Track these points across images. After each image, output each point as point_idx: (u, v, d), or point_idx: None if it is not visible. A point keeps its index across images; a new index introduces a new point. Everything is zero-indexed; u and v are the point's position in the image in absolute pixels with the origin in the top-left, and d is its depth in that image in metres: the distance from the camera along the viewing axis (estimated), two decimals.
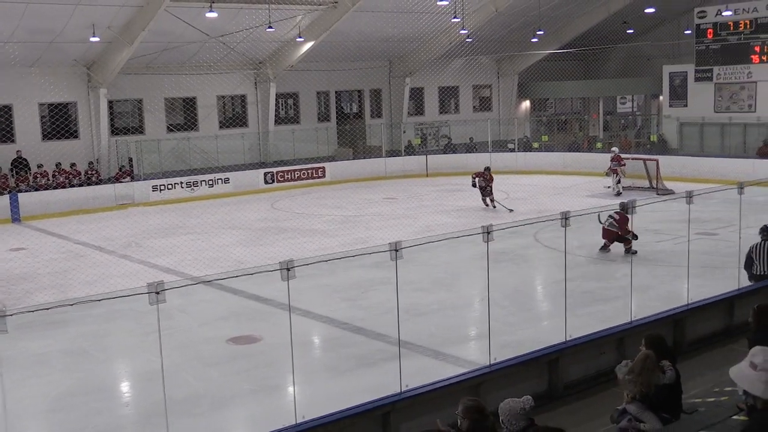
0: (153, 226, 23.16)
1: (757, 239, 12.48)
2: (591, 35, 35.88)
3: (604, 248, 16.82)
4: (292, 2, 27.24)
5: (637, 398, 7.25)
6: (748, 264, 12.52)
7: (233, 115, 33.38)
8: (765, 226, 12.57)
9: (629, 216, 16.35)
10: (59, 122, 29.00)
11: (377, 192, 29.01)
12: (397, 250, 8.40)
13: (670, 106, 35.07)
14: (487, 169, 24.57)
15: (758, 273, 12.28)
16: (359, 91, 36.80)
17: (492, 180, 24.18)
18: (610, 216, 16.30)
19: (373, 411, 8.16)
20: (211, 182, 29.65)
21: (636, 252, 16.10)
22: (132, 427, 9.40)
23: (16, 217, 25.59)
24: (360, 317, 12.81)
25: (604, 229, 16.44)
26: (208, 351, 11.72)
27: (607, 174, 27.02)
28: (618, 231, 16.40)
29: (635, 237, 16.41)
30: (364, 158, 34.36)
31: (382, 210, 25.03)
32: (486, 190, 24.10)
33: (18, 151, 27.70)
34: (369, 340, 11.78)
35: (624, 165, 26.81)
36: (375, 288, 13.94)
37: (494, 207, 23.84)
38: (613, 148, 28.64)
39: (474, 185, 24.38)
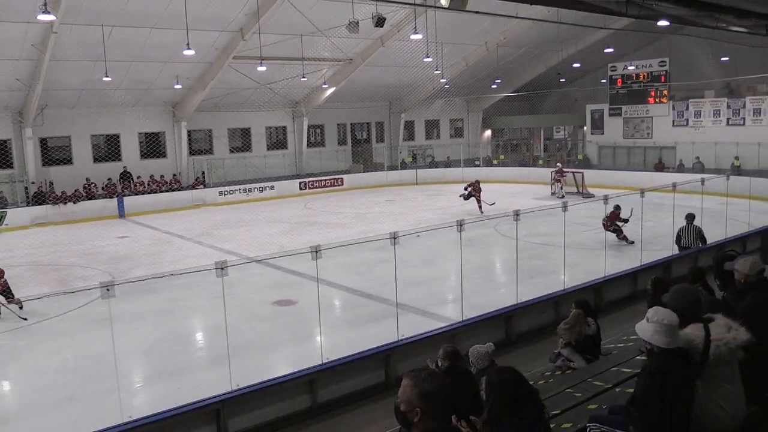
0: (219, 221, 23.13)
1: (682, 224, 13.01)
2: (534, 83, 35.73)
3: (618, 237, 15.78)
4: (319, 59, 27.19)
5: (571, 344, 7.22)
6: (678, 240, 12.97)
7: (277, 140, 33.25)
8: (689, 214, 13.02)
9: (619, 214, 15.50)
10: (152, 146, 28.95)
11: (380, 196, 28.87)
12: (395, 238, 8.37)
13: (592, 133, 34.93)
14: (477, 181, 23.22)
15: (685, 245, 12.81)
16: (368, 123, 36.57)
17: (478, 190, 22.70)
18: (607, 215, 15.50)
19: (378, 354, 8.14)
20: (261, 189, 29.52)
21: (633, 242, 15.15)
22: (205, 365, 9.37)
23: (121, 214, 25.57)
24: (369, 286, 12.75)
25: (602, 222, 15.63)
26: (259, 310, 11.71)
27: (552, 183, 26.88)
28: (607, 223, 15.77)
29: (617, 228, 15.63)
30: (371, 171, 34.14)
31: (384, 209, 24.90)
32: (468, 196, 22.62)
33: (124, 167, 27.67)
34: (375, 302, 11.75)
35: (565, 176, 26.62)
36: (379, 265, 13.87)
37: (481, 212, 21.92)
38: (558, 164, 28.33)
39: (466, 188, 22.91)
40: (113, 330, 6.77)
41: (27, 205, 24.65)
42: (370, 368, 8.06)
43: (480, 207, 22.50)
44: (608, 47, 29.09)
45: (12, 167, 25.54)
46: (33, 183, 25.26)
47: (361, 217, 22.76)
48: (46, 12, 14.66)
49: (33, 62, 21.48)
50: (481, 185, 23.27)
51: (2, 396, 9.02)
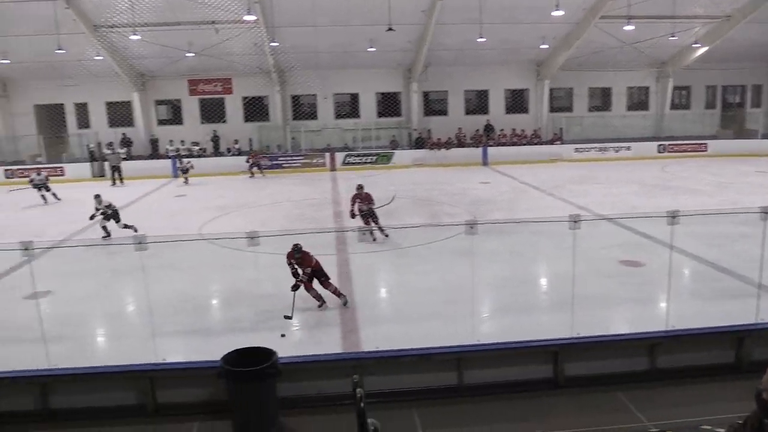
0: (572, 176, 22.81)
1: None
2: None
3: None
4: (692, 17, 24.40)
5: None
6: None
7: (638, 101, 31.18)
8: None
9: None
10: (516, 102, 29.80)
11: (752, 166, 24.61)
12: (766, 213, 7.19)
13: None
14: None
15: None
16: (742, 86, 31.83)
17: None
18: None
19: (730, 333, 7.18)
20: (617, 148, 28.13)
21: None
22: (546, 308, 9.47)
23: (485, 162, 27.09)
24: (725, 260, 11.18)
25: None
26: (605, 266, 11.26)
27: None
28: None
29: None
30: (742, 138, 29.67)
31: (753, 180, 21.34)
32: None
33: (487, 120, 29.09)
34: (730, 278, 10.33)
35: None
36: (740, 240, 12.15)
37: None
38: None
39: None
40: (473, 263, 7.28)
41: (410, 149, 27.74)
42: (720, 345, 7.21)
43: None
44: None
45: (400, 116, 28.97)
46: (415, 130, 28.29)
47: (724, 187, 19.97)
48: None
49: (421, 26, 23.77)
50: None
51: (383, 301, 10.46)
